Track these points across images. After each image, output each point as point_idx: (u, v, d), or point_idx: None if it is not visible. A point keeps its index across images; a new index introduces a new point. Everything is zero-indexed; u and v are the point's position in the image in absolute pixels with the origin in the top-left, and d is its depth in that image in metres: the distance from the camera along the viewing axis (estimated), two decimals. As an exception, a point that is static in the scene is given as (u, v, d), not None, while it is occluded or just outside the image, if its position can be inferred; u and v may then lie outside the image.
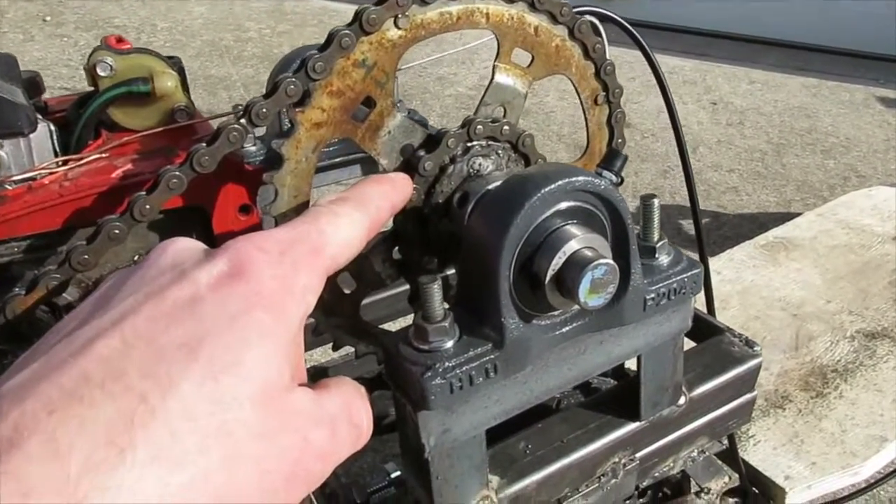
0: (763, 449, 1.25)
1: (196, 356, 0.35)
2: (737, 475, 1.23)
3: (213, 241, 0.81)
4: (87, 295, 0.76)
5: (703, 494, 1.19)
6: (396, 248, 0.77)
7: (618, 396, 0.87)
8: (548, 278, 0.61)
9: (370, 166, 1.17)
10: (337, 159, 1.10)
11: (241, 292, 0.38)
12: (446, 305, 0.62)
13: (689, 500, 1.18)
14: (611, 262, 0.61)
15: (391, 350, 0.64)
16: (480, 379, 0.62)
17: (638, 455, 0.87)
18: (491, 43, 0.77)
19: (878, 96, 4.05)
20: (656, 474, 0.92)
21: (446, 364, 0.61)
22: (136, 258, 0.77)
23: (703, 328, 0.98)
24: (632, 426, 0.83)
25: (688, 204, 1.10)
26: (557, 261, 0.61)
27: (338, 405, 0.43)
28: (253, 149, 0.90)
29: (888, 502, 1.81)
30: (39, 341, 0.38)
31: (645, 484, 0.93)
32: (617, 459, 0.84)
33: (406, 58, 0.72)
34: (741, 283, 1.70)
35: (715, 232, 2.82)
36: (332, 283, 0.77)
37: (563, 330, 0.68)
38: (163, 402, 0.33)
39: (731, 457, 1.20)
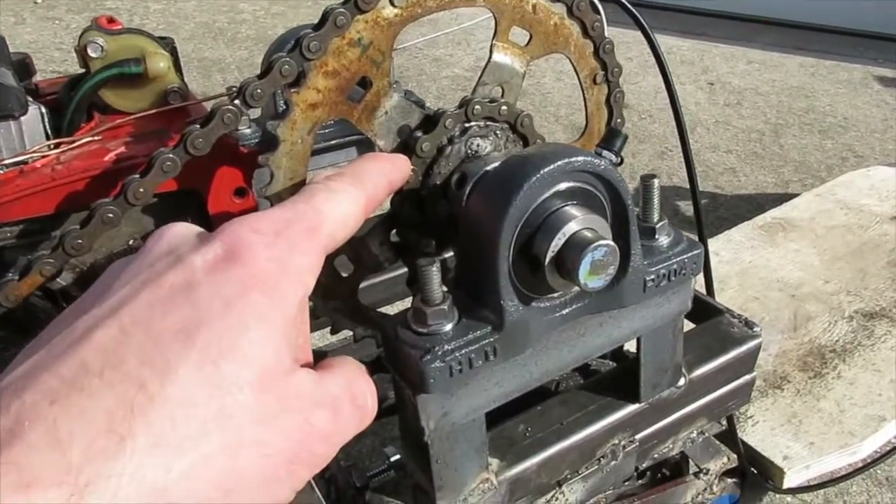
0: (761, 429, 1.25)
1: (193, 342, 0.35)
2: (735, 456, 1.23)
3: (209, 225, 0.80)
4: (81, 279, 0.75)
5: (701, 475, 1.19)
6: (394, 230, 0.76)
7: (617, 379, 0.87)
8: (547, 260, 0.61)
9: (367, 149, 1.16)
10: (333, 142, 1.09)
11: (236, 276, 0.38)
12: (445, 288, 0.62)
13: (688, 481, 1.18)
14: (611, 243, 0.61)
15: (390, 333, 0.63)
16: (480, 362, 0.62)
17: (637, 437, 0.87)
18: (487, 23, 0.76)
19: (876, 76, 4.03)
20: (655, 455, 0.93)
21: (445, 347, 0.61)
22: (130, 242, 0.76)
23: (703, 309, 0.98)
24: (631, 408, 0.83)
25: (686, 185, 1.09)
26: (557, 242, 0.60)
27: (340, 385, 0.43)
28: (248, 131, 0.88)
29: (885, 481, 1.81)
30: (41, 333, 0.38)
31: (644, 465, 0.93)
32: (616, 441, 0.84)
33: (401, 38, 0.71)
34: (739, 263, 1.70)
35: (712, 213, 2.81)
36: (329, 266, 0.76)
37: (563, 312, 0.67)
38: (161, 389, 0.33)
39: (729, 438, 1.21)
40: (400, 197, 0.73)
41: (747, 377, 0.97)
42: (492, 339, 0.62)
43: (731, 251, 1.77)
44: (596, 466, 0.83)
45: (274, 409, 0.37)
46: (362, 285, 0.79)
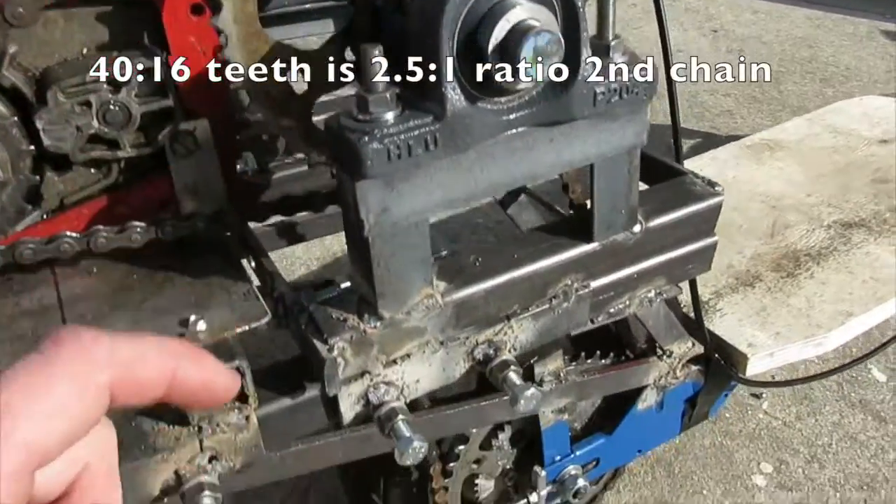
0: (729, 321, 1.25)
1: None
2: (701, 345, 1.23)
3: (165, 41, 0.79)
4: (34, 83, 0.75)
5: (665, 357, 1.20)
6: (349, 48, 0.76)
7: (573, 223, 0.87)
8: (491, 47, 0.60)
9: (343, 17, 1.14)
10: (307, 5, 1.08)
11: None
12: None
13: (651, 362, 1.19)
14: (556, 33, 0.60)
15: (332, 124, 0.63)
16: (420, 150, 0.62)
17: (592, 284, 0.87)
18: None
19: (882, 30, 3.97)
20: (611, 310, 0.93)
21: (385, 131, 0.60)
22: (84, 51, 0.76)
23: (666, 172, 0.98)
24: (585, 247, 0.83)
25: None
26: (501, 28, 0.60)
27: None
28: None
29: (858, 403, 1.83)
30: None
31: (600, 319, 0.94)
32: (569, 282, 0.84)
33: None
34: (722, 178, 1.68)
35: (705, 151, 2.79)
36: (282, 82, 0.76)
37: (510, 117, 0.67)
38: None
39: (696, 327, 1.21)
40: (356, 9, 0.72)
41: (708, 240, 0.97)
42: (433, 128, 0.62)
43: (715, 168, 1.76)
44: (547, 306, 0.84)
45: None
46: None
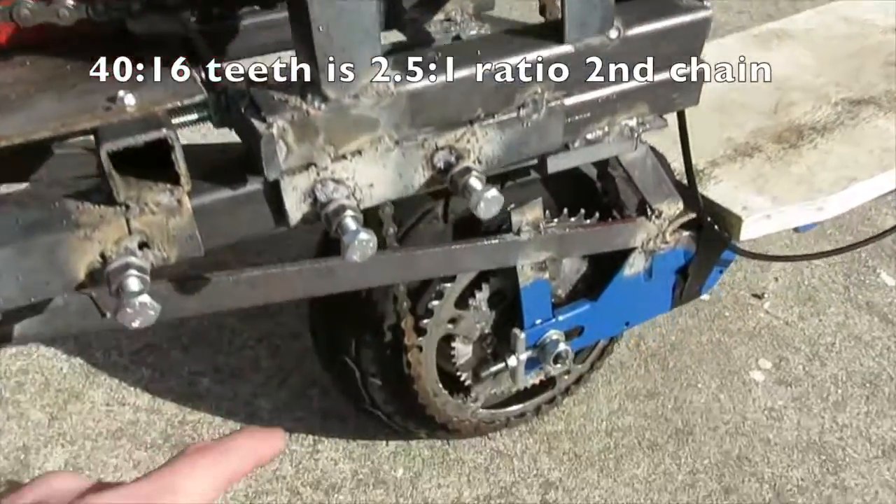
0: (724, 187, 1.19)
1: None
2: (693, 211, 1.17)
3: None
4: None
5: (654, 218, 1.14)
6: None
7: (545, 28, 0.80)
8: None
9: None
10: None
11: None
12: None
13: (639, 222, 1.13)
14: None
15: None
16: None
17: (567, 101, 0.81)
18: None
19: (907, -47, 3.82)
20: (589, 136, 0.87)
21: None
22: None
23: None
24: (556, 48, 0.76)
25: None
26: None
27: None
28: None
29: (864, 305, 1.76)
30: None
31: (576, 144, 0.87)
32: (539, 90, 0.78)
33: None
34: (726, 60, 1.61)
35: (716, 67, 2.69)
36: None
37: None
38: None
39: (689, 193, 1.14)
40: None
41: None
42: None
43: (719, 54, 1.67)
44: (515, 115, 0.78)
45: None
46: None
